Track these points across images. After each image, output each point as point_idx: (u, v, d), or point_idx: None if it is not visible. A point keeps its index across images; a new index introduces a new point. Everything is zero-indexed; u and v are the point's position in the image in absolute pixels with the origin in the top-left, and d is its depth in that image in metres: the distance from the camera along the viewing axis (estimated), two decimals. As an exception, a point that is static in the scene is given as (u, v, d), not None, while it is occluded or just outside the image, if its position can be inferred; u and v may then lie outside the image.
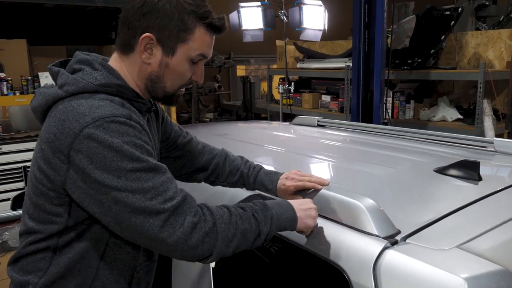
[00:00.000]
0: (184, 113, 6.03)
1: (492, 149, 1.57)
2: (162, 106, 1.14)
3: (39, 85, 3.53)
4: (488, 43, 3.40)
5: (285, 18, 3.80)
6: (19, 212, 1.88)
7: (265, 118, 5.24)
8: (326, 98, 4.29)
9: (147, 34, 0.87)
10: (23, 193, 0.98)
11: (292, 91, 4.22)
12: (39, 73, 3.63)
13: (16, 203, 1.89)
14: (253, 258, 1.10)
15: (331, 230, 0.94)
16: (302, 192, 1.05)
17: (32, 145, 3.44)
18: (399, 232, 0.89)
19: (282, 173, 1.10)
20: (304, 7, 3.73)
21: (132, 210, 0.78)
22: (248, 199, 1.14)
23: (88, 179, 0.79)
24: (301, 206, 0.94)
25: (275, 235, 1.00)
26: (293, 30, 3.97)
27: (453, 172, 1.24)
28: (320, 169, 1.53)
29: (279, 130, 2.34)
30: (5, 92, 3.50)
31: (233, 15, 3.84)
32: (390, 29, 3.31)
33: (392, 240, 0.86)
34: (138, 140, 0.82)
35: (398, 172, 1.37)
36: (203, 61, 0.95)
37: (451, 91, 3.77)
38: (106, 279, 0.92)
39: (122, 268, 0.94)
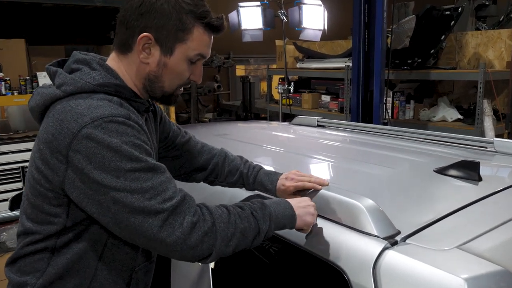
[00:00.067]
0: (183, 113, 6.03)
1: (492, 150, 1.57)
2: (161, 106, 1.14)
3: (38, 85, 3.52)
4: (488, 43, 3.40)
5: (284, 18, 3.81)
6: (17, 212, 1.88)
7: (264, 118, 5.24)
8: (325, 98, 4.29)
9: (145, 34, 0.87)
10: (21, 193, 0.98)
11: (291, 91, 4.22)
12: (37, 73, 3.63)
13: (14, 203, 1.89)
14: (252, 259, 1.10)
15: (330, 231, 0.94)
16: (302, 192, 1.05)
17: (30, 145, 3.43)
18: (399, 233, 0.89)
19: (282, 173, 1.10)
20: (304, 7, 3.73)
21: (131, 210, 0.78)
22: (247, 199, 1.14)
23: (87, 179, 0.79)
24: (300, 203, 0.94)
25: (275, 235, 1.00)
26: (292, 30, 3.97)
27: (453, 172, 1.25)
28: (320, 169, 1.53)
29: (279, 130, 2.34)
30: (3, 92, 3.50)
31: (233, 15, 3.84)
32: (390, 29, 3.31)
33: (392, 240, 0.86)
34: (136, 140, 0.82)
35: (398, 172, 1.37)
36: (201, 61, 0.95)
37: (451, 91, 3.77)
38: (105, 279, 0.92)
39: (120, 269, 0.94)
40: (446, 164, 1.29)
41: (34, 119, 0.92)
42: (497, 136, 2.89)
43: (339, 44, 4.69)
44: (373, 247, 0.84)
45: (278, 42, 5.00)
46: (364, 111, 3.15)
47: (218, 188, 1.20)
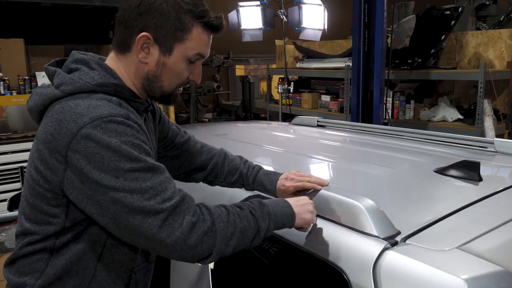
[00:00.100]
0: (183, 113, 6.03)
1: (493, 150, 1.57)
2: (160, 106, 1.14)
3: (37, 85, 3.52)
4: (489, 43, 3.40)
5: (284, 18, 3.81)
6: (15, 213, 1.88)
7: (264, 118, 5.24)
8: (325, 98, 4.29)
9: (144, 33, 0.87)
10: (20, 193, 0.98)
11: (291, 91, 4.22)
12: (36, 73, 3.63)
13: (13, 204, 1.89)
14: (252, 260, 1.10)
15: (330, 231, 0.94)
16: (302, 192, 1.05)
17: (29, 145, 3.43)
18: (399, 233, 0.89)
19: (282, 174, 1.10)
20: (304, 7, 3.73)
21: (130, 210, 0.78)
22: (247, 199, 1.14)
23: (86, 180, 0.79)
24: (298, 202, 0.94)
25: (275, 235, 1.00)
26: (292, 30, 3.97)
27: (453, 172, 1.25)
28: (320, 170, 1.53)
29: (279, 130, 2.34)
30: (2, 92, 3.50)
31: (232, 15, 3.84)
32: (390, 29, 3.31)
33: (392, 241, 0.86)
34: (136, 140, 0.82)
35: (398, 172, 1.37)
36: (200, 60, 0.95)
37: (452, 91, 3.77)
38: (104, 280, 0.92)
39: (119, 269, 0.94)
40: (446, 164, 1.29)
41: (32, 119, 0.92)
42: (497, 136, 2.89)
43: (339, 44, 4.69)
44: (373, 247, 0.84)
45: (278, 42, 5.01)
46: (364, 111, 3.15)
47: (217, 188, 1.20)
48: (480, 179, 1.20)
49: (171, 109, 4.19)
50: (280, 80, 4.60)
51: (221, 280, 1.14)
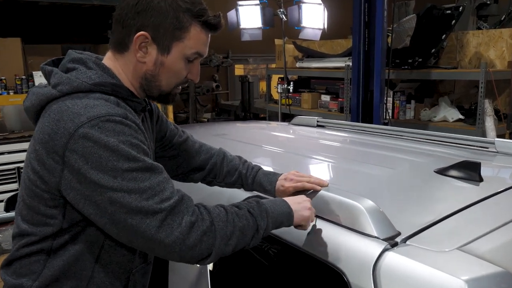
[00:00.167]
0: (182, 113, 6.02)
1: (493, 150, 1.57)
2: (159, 105, 1.14)
3: (34, 85, 3.52)
4: (490, 43, 3.41)
5: (284, 17, 3.81)
6: (12, 214, 1.88)
7: (263, 118, 5.24)
8: (325, 98, 4.29)
9: (141, 32, 0.87)
10: (17, 194, 0.98)
11: (291, 90, 4.22)
12: (33, 72, 3.63)
13: (10, 204, 1.89)
14: (251, 261, 1.10)
15: (330, 232, 0.94)
16: (301, 193, 1.05)
17: (26, 145, 3.42)
18: (399, 234, 0.89)
19: (281, 174, 1.10)
20: (303, 6, 3.73)
21: (128, 211, 0.78)
22: (246, 200, 1.14)
23: (83, 180, 0.79)
24: (295, 200, 0.95)
25: (274, 236, 1.00)
26: (292, 29, 3.97)
27: (453, 173, 1.25)
28: (320, 170, 1.53)
29: (278, 130, 2.34)
30: (-1, 91, 3.49)
31: (231, 14, 3.84)
32: (390, 28, 3.31)
33: (392, 242, 0.86)
34: (134, 140, 0.82)
35: (398, 173, 1.37)
36: (198, 59, 0.95)
37: (452, 91, 3.78)
38: (102, 282, 0.92)
39: (117, 271, 0.94)
40: (446, 164, 1.29)
41: (29, 119, 0.92)
42: (498, 136, 2.90)
43: (339, 43, 4.70)
44: (373, 248, 0.84)
45: (277, 41, 5.01)
46: (364, 111, 3.15)
47: (216, 188, 1.20)
48: (481, 180, 1.21)
49: (170, 109, 4.19)
50: (280, 79, 4.60)
51: (220, 282, 1.14)
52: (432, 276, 0.75)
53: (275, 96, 4.82)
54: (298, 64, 4.58)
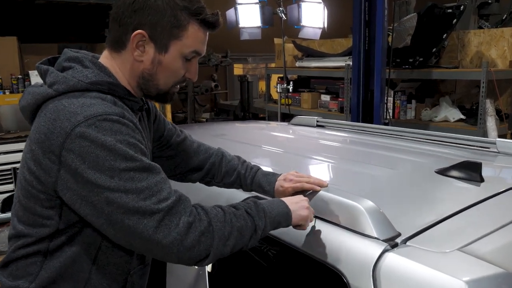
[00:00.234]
0: (180, 113, 6.02)
1: (495, 150, 1.57)
2: (157, 105, 1.14)
3: (30, 84, 3.51)
4: (491, 42, 3.41)
5: (283, 16, 3.81)
6: (8, 215, 1.87)
7: (263, 118, 5.24)
8: (325, 97, 4.29)
9: (139, 31, 0.87)
10: (13, 195, 0.98)
11: (290, 90, 4.22)
12: (29, 72, 3.62)
13: (5, 205, 1.89)
14: (250, 262, 1.11)
15: (329, 233, 0.94)
16: (300, 193, 1.05)
17: (22, 146, 3.41)
18: (399, 235, 0.89)
19: (280, 174, 1.10)
20: (303, 4, 3.74)
21: (125, 211, 0.78)
22: (244, 201, 1.14)
23: (80, 179, 0.78)
24: (292, 200, 0.95)
25: (273, 237, 1.00)
26: (291, 28, 3.98)
27: (454, 173, 1.25)
28: (319, 170, 1.53)
29: (277, 131, 2.34)
30: (-5, 91, 3.49)
31: (230, 12, 3.84)
32: (391, 27, 3.32)
33: (392, 242, 0.86)
34: (131, 139, 0.82)
35: (398, 173, 1.38)
36: (196, 58, 0.95)
37: (454, 91, 3.78)
38: (99, 283, 0.92)
39: (115, 272, 0.94)
40: (447, 165, 1.30)
41: (25, 118, 0.92)
42: (500, 136, 2.90)
43: (339, 42, 4.70)
44: (372, 249, 0.84)
45: (276, 41, 5.01)
46: (364, 111, 3.16)
47: (215, 189, 1.20)
48: (482, 180, 1.21)
49: (168, 108, 4.19)
50: (279, 79, 4.60)
51: (218, 283, 1.14)
52: (433, 277, 0.76)
53: (275, 96, 4.83)
54: (297, 64, 4.58)
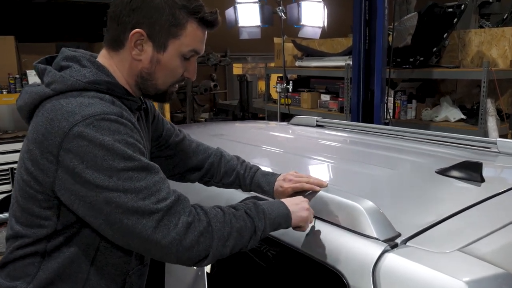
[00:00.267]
0: (179, 112, 6.02)
1: (496, 150, 1.58)
2: (156, 104, 1.14)
3: (28, 84, 3.50)
4: (492, 41, 3.42)
5: (283, 15, 3.81)
6: (5, 215, 1.88)
7: (262, 118, 5.24)
8: (325, 97, 4.29)
9: (137, 29, 0.88)
10: (10, 196, 0.98)
11: (290, 90, 4.22)
12: (27, 71, 3.62)
13: (3, 206, 1.89)
14: (250, 263, 1.11)
15: (329, 233, 0.95)
16: (300, 194, 1.05)
17: (20, 146, 3.41)
18: (399, 235, 0.89)
19: (280, 174, 1.11)
20: (303, 4, 3.74)
21: (124, 211, 0.78)
22: (243, 201, 1.15)
23: (78, 179, 0.79)
24: (292, 201, 0.95)
25: (272, 238, 1.00)
26: (291, 27, 3.98)
27: (455, 173, 1.25)
28: (319, 171, 1.53)
29: (277, 131, 2.35)
30: (-8, 91, 3.49)
31: (229, 12, 3.84)
32: (391, 27, 3.32)
33: (392, 243, 0.86)
34: (130, 138, 0.82)
35: (398, 173, 1.38)
36: (195, 57, 0.95)
37: (454, 91, 3.79)
38: (97, 284, 0.92)
39: (113, 273, 0.94)
40: (448, 165, 1.30)
41: (22, 118, 0.92)
42: (501, 136, 2.91)
43: (339, 42, 4.70)
44: (372, 250, 0.85)
45: (276, 40, 5.01)
46: (364, 111, 3.16)
47: (214, 189, 1.20)
48: (482, 180, 1.21)
49: (167, 108, 4.19)
50: (279, 79, 4.60)
51: (217, 284, 1.14)
52: (433, 277, 0.76)
53: (274, 95, 4.83)
54: (297, 63, 4.59)
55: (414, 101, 3.60)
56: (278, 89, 4.16)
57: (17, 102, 0.91)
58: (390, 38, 3.33)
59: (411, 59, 3.43)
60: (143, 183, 0.79)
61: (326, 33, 4.07)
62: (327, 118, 2.40)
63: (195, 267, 1.13)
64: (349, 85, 3.71)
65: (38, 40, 4.07)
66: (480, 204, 1.07)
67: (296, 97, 4.49)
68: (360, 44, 3.10)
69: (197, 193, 1.23)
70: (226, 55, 6.45)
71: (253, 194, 1.16)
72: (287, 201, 0.95)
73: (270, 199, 1.09)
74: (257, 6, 3.80)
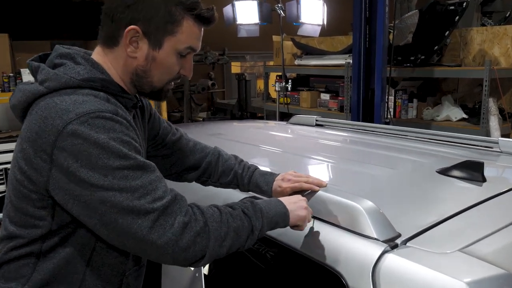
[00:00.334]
0: (176, 112, 6.02)
1: (497, 150, 1.58)
2: (152, 103, 1.14)
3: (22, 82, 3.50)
4: (494, 40, 3.43)
5: (282, 12, 3.81)
6: (-1, 216, 1.87)
7: (261, 118, 5.25)
8: (325, 96, 4.30)
9: (132, 26, 0.87)
10: (4, 196, 0.98)
11: (289, 89, 4.22)
12: (21, 70, 3.62)
13: (-3, 206, 1.88)
14: (248, 264, 1.11)
15: (328, 234, 0.95)
16: (299, 193, 1.05)
17: (14, 145, 3.40)
18: (399, 235, 0.89)
19: (278, 174, 1.11)
20: (302, 1, 3.74)
21: (119, 210, 0.77)
22: (240, 201, 1.15)
23: (73, 178, 0.78)
24: (290, 200, 0.95)
25: (271, 238, 1.00)
26: (290, 25, 3.98)
27: (456, 173, 1.26)
28: (318, 170, 1.54)
29: (276, 130, 2.35)
30: (-15, 89, 3.48)
31: (227, 9, 3.84)
32: (392, 25, 3.33)
33: (392, 243, 0.86)
34: (125, 137, 0.82)
35: (399, 173, 1.38)
36: (191, 54, 0.95)
37: (456, 90, 3.79)
38: (94, 285, 0.92)
39: (110, 274, 0.94)
40: (449, 164, 1.30)
41: (16, 117, 0.91)
42: (503, 136, 2.92)
43: (339, 40, 4.71)
44: (372, 250, 0.85)
45: (275, 38, 5.02)
46: (365, 110, 3.16)
47: (211, 189, 1.20)
48: (484, 180, 1.22)
49: (164, 107, 4.19)
50: (278, 77, 4.60)
51: (215, 286, 1.14)
52: (433, 278, 0.76)
53: (273, 94, 4.83)
54: (296, 62, 4.59)
55: (415, 100, 3.61)
56: (277, 88, 4.16)
57: (11, 101, 0.91)
58: (390, 36, 3.33)
59: (412, 58, 3.43)
60: (139, 182, 0.79)
61: (326, 31, 4.07)
62: (327, 117, 2.41)
63: (192, 268, 1.13)
64: (349, 83, 3.71)
65: (32, 38, 4.07)
66: (482, 204, 1.07)
67: (295, 96, 4.49)
68: (361, 42, 3.10)
69: (194, 192, 1.23)
70: (224, 53, 6.45)
71: (251, 194, 1.16)
72: (285, 200, 0.95)
73: (267, 198, 1.09)
74: (255, 3, 3.80)
